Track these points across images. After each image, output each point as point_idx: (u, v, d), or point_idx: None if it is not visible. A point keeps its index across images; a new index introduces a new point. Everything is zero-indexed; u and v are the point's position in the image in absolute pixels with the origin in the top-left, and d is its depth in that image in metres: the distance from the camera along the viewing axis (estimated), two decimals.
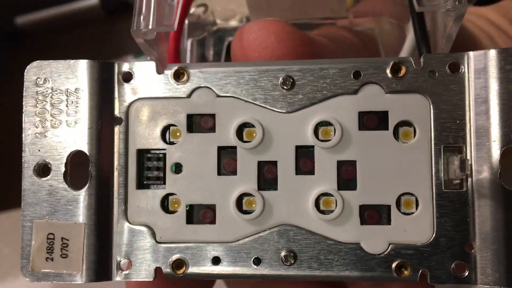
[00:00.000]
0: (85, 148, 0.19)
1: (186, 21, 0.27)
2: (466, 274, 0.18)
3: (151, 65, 0.20)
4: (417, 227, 0.18)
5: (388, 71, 0.19)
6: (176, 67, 0.19)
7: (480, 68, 0.18)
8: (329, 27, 0.27)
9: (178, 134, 0.19)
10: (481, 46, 0.35)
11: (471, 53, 0.18)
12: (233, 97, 0.19)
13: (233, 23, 0.29)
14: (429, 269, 0.18)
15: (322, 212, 0.19)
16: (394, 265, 0.18)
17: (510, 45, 0.37)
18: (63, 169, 0.19)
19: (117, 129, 0.20)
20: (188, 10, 0.25)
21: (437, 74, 0.18)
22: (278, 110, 0.19)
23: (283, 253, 0.19)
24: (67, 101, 0.19)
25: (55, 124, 0.19)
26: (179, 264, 0.19)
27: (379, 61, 0.19)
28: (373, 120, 0.19)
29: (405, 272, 0.18)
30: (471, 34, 0.35)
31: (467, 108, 0.18)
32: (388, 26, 0.28)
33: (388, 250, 0.18)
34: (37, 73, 0.19)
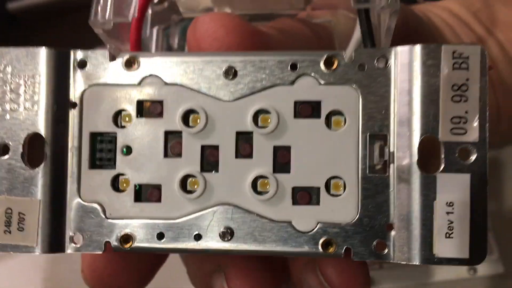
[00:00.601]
0: (41, 131, 0.21)
1: (150, 11, 0.29)
2: (386, 251, 0.20)
3: (104, 53, 0.21)
4: (343, 208, 0.20)
5: (321, 64, 0.20)
6: (127, 56, 0.21)
7: (406, 63, 0.19)
8: (285, 19, 0.28)
9: (128, 119, 0.21)
10: (444, 39, 0.37)
11: (398, 48, 0.20)
12: (180, 85, 0.21)
13: (197, 12, 0.30)
14: (353, 246, 0.20)
15: (259, 193, 0.20)
16: (321, 241, 0.20)
17: (471, 38, 0.38)
18: (21, 149, 0.21)
19: (71, 113, 0.21)
20: (149, 1, 0.26)
21: (366, 67, 0.20)
22: (220, 98, 0.21)
23: (221, 230, 0.20)
24: (25, 86, 0.21)
25: (14, 107, 0.21)
26: (126, 238, 0.21)
27: (313, 54, 0.20)
28: (307, 109, 0.20)
29: (331, 249, 0.20)
30: (434, 26, 0.37)
31: (392, 99, 0.20)
32: (344, 19, 0.29)
33: (316, 228, 0.20)
34: None
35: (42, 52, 0.21)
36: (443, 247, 0.19)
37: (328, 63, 0.20)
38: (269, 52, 0.21)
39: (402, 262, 0.19)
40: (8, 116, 0.21)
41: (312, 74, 0.20)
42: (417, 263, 0.19)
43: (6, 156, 0.21)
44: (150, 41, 0.30)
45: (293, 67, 0.20)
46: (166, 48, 0.31)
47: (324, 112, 0.20)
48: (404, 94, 0.19)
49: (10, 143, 0.21)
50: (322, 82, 0.20)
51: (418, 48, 0.19)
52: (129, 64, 0.21)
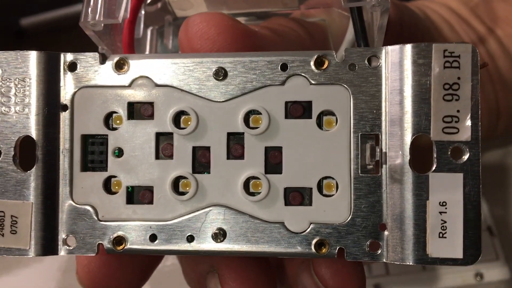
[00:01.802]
0: (32, 134, 0.21)
1: (143, 11, 0.29)
2: (379, 252, 0.19)
3: (94, 55, 0.21)
4: (335, 208, 0.20)
5: (312, 64, 0.20)
6: (117, 58, 0.21)
7: (396, 62, 0.19)
8: (278, 19, 0.28)
9: (119, 121, 0.21)
10: (441, 35, 0.36)
11: (389, 47, 0.20)
12: (170, 86, 0.21)
13: (191, 12, 0.30)
14: (346, 246, 0.20)
15: (251, 193, 0.20)
16: (313, 242, 0.20)
17: (470, 34, 0.38)
18: (12, 152, 0.21)
19: (62, 115, 0.21)
20: (141, 2, 0.26)
21: (357, 67, 0.20)
22: (211, 99, 0.20)
23: (214, 231, 0.20)
24: (16, 89, 0.21)
25: (5, 110, 0.21)
26: (119, 240, 0.21)
27: (304, 54, 0.20)
28: (298, 109, 0.20)
29: (324, 250, 0.20)
30: (431, 22, 0.36)
31: (383, 98, 0.19)
32: (339, 17, 0.29)
33: (308, 229, 0.20)
34: None
35: (32, 55, 0.21)
36: (436, 247, 0.19)
37: (319, 63, 0.20)
38: (259, 53, 0.20)
39: (396, 262, 0.19)
40: None
41: (303, 74, 0.20)
42: (411, 263, 0.19)
43: None
44: (144, 42, 0.30)
45: (284, 67, 0.20)
46: (161, 48, 0.31)
47: (315, 112, 0.20)
48: (395, 94, 0.19)
49: (1, 146, 0.21)
50: (313, 82, 0.20)
51: (408, 47, 0.19)
52: (119, 66, 0.21)
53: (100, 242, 0.21)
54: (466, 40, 0.37)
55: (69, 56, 0.21)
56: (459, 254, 0.19)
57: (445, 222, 0.19)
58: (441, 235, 0.19)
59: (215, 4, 0.29)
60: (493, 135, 0.38)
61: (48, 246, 0.21)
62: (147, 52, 0.30)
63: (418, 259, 0.19)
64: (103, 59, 0.21)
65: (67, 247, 0.21)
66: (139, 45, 0.30)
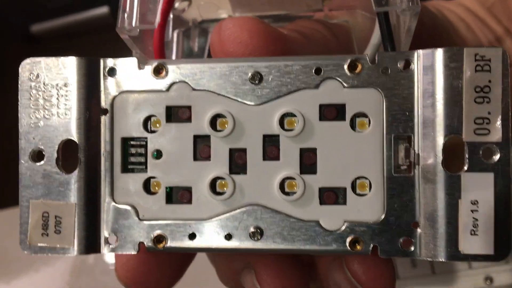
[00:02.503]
0: (74, 137, 0.21)
1: (171, 15, 0.29)
2: (412, 249, 0.20)
3: (133, 61, 0.22)
4: (369, 207, 0.20)
5: (345, 67, 0.21)
6: (155, 63, 0.21)
7: (428, 65, 0.20)
8: (303, 21, 0.28)
9: (158, 124, 0.22)
10: (458, 35, 0.37)
11: (421, 51, 0.20)
12: (207, 90, 0.21)
13: (217, 15, 0.31)
14: (380, 244, 0.20)
15: (286, 193, 0.21)
16: (348, 240, 0.20)
17: (487, 34, 0.39)
18: (55, 155, 0.21)
19: (103, 119, 0.22)
20: (171, 7, 0.26)
21: (389, 70, 0.20)
22: (247, 103, 0.21)
23: (251, 230, 0.21)
24: (57, 94, 0.21)
25: (47, 115, 0.21)
26: (159, 239, 0.21)
27: (337, 58, 0.21)
28: (332, 112, 0.21)
29: (358, 247, 0.20)
30: (448, 22, 0.37)
31: (415, 101, 0.20)
32: (362, 19, 0.30)
33: (343, 227, 0.21)
34: (30, 69, 0.22)
35: (73, 61, 0.21)
36: (468, 244, 0.19)
37: (352, 67, 0.20)
38: (294, 57, 0.21)
39: (428, 259, 0.20)
40: (42, 123, 0.22)
41: (337, 78, 0.21)
42: (443, 260, 0.20)
43: (42, 162, 0.21)
44: (171, 45, 0.31)
45: (318, 71, 0.21)
46: (187, 51, 0.31)
47: (348, 115, 0.21)
48: (427, 96, 0.20)
49: (44, 149, 0.21)
50: (346, 85, 0.21)
51: (440, 51, 0.20)
52: (158, 71, 0.22)
53: (141, 240, 0.21)
54: (483, 40, 0.37)
55: (109, 62, 0.22)
56: (490, 250, 0.19)
57: (477, 220, 0.19)
58: (472, 232, 0.19)
59: (240, 7, 0.30)
60: None
61: (90, 245, 0.21)
62: (173, 55, 0.31)
63: (450, 255, 0.20)
64: (141, 64, 0.22)
65: (109, 246, 0.22)
66: (166, 48, 0.31)
